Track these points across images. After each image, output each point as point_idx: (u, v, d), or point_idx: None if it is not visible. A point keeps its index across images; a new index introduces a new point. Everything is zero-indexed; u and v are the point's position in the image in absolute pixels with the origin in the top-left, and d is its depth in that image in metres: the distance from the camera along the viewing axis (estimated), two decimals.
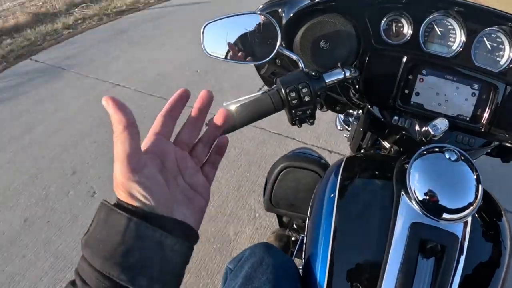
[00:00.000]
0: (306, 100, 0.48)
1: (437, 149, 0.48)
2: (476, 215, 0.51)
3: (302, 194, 0.82)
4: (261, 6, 0.64)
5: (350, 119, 0.96)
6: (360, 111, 0.77)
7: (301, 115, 0.50)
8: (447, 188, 0.45)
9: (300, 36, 0.60)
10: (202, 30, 0.53)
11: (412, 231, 0.45)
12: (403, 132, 0.63)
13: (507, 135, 0.63)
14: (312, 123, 0.52)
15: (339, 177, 0.56)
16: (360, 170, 0.60)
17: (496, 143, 0.67)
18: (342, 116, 1.04)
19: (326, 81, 0.52)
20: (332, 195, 0.55)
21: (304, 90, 0.48)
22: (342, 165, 0.59)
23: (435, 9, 0.60)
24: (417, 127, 0.62)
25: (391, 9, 0.61)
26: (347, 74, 0.55)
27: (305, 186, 0.81)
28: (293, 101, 0.48)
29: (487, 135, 0.63)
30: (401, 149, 0.69)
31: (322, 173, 0.78)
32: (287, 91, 0.48)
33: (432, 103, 0.62)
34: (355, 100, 0.67)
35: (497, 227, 0.53)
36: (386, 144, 0.73)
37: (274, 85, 0.50)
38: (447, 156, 0.46)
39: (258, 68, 0.69)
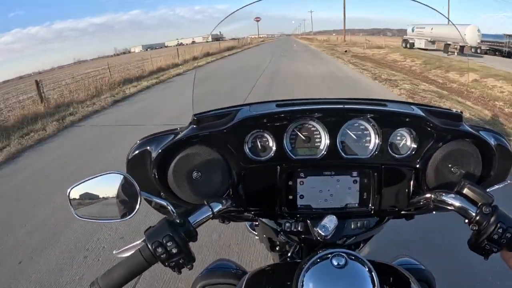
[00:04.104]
0: (174, 252, 0.49)
1: (324, 257, 0.49)
2: None
3: None
4: (134, 146, 0.64)
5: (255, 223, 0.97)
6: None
7: (176, 264, 0.50)
8: None
9: (172, 169, 0.60)
10: (68, 194, 0.51)
11: None
12: (302, 236, 0.64)
13: (396, 209, 0.67)
14: (190, 268, 0.52)
15: None
16: (261, 285, 0.60)
17: (390, 217, 0.71)
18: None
19: (193, 222, 0.52)
20: None
21: (169, 244, 0.48)
22: (244, 282, 0.59)
23: (292, 120, 0.62)
24: (310, 227, 0.62)
25: (250, 129, 0.62)
26: (216, 209, 0.55)
27: None
28: (161, 256, 0.48)
29: (378, 214, 0.67)
30: (304, 245, 0.71)
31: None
32: (153, 247, 0.48)
33: (318, 201, 0.63)
34: (246, 216, 0.68)
35: None
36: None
37: (144, 238, 0.50)
38: (335, 263, 0.47)
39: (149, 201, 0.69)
